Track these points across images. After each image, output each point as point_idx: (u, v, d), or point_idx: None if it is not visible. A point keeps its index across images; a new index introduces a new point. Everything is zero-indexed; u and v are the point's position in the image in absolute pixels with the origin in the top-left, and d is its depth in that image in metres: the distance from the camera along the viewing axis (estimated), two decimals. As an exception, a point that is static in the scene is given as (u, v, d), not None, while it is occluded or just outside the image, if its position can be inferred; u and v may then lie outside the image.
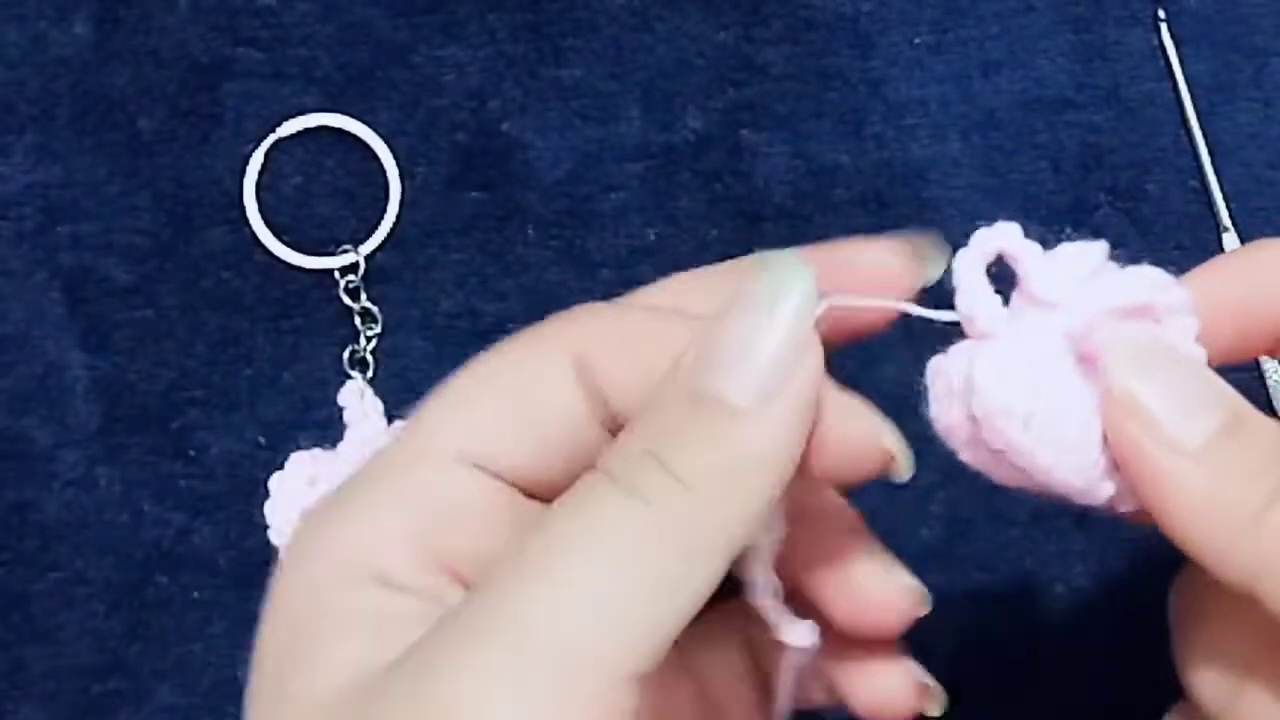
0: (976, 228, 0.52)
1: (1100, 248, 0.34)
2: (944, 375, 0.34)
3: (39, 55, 0.53)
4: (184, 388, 0.51)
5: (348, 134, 0.53)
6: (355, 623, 0.32)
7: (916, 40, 0.53)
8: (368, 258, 0.52)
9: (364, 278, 0.52)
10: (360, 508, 0.33)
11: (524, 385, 0.34)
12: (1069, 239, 0.33)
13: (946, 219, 0.52)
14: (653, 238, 0.52)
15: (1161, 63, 0.53)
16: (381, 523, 0.33)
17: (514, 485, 0.34)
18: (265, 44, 0.53)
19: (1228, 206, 0.52)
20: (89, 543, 0.51)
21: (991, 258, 0.34)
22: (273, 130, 0.53)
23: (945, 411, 0.34)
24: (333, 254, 0.52)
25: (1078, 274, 0.34)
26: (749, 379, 0.32)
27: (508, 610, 0.30)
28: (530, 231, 0.52)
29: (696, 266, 0.52)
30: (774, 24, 0.53)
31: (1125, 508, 0.34)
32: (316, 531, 0.34)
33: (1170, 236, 0.52)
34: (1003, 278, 0.35)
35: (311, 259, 0.52)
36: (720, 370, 0.32)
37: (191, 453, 0.51)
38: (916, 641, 0.50)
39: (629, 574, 0.31)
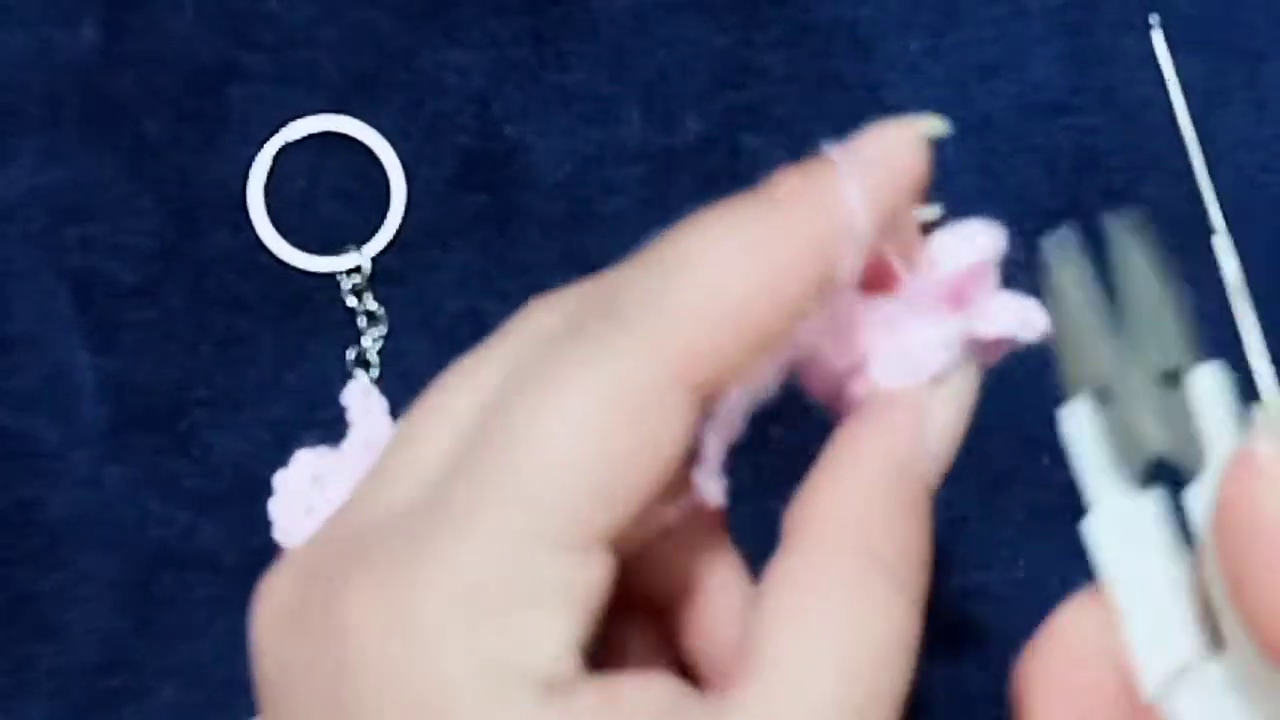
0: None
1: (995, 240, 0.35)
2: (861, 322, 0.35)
3: (46, 59, 0.53)
4: (190, 388, 0.51)
5: (351, 137, 0.53)
6: None
7: (913, 45, 0.53)
8: (372, 259, 0.52)
9: (368, 279, 0.52)
10: (527, 620, 0.29)
11: (646, 436, 0.30)
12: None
13: (942, 221, 0.52)
14: (653, 239, 0.52)
15: (1156, 67, 0.53)
16: (555, 636, 0.30)
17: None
18: (270, 48, 0.53)
19: (1219, 209, 0.52)
20: (95, 541, 0.51)
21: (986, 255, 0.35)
22: (277, 133, 0.53)
23: None
24: (337, 256, 0.52)
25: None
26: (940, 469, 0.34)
27: None
28: (532, 233, 0.52)
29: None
30: (773, 28, 0.53)
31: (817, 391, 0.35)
32: (470, 647, 0.29)
33: (1165, 240, 0.52)
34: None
35: (316, 261, 0.52)
36: (933, 463, 0.33)
37: (197, 452, 0.51)
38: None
39: (897, 667, 0.31)
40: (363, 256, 0.52)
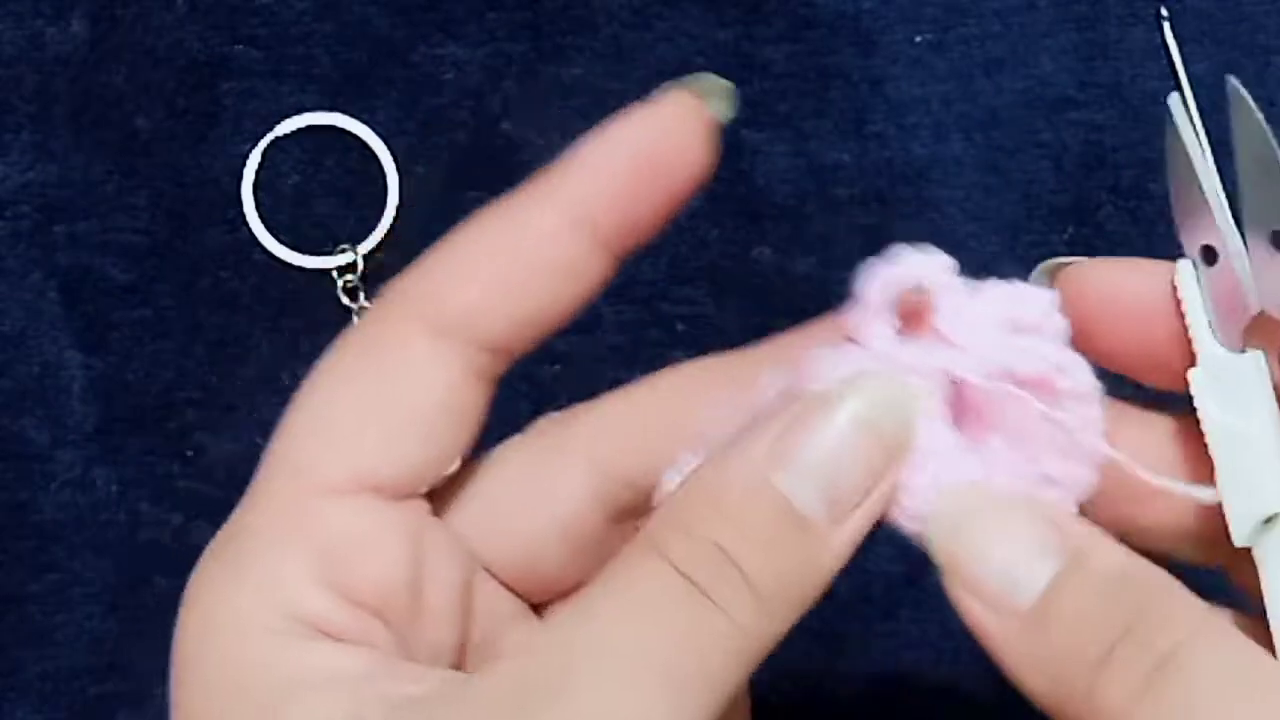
0: (978, 227, 0.52)
1: (1042, 301, 0.33)
2: (815, 365, 0.32)
3: (36, 53, 0.53)
4: (182, 388, 0.51)
5: (346, 133, 0.53)
6: (315, 686, 0.31)
7: (918, 38, 0.53)
8: (366, 257, 0.52)
9: (362, 277, 0.52)
10: (268, 561, 0.32)
11: (391, 377, 0.33)
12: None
13: (948, 218, 0.52)
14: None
15: (1164, 61, 0.53)
16: (293, 574, 0.32)
17: (407, 497, 0.33)
18: (263, 43, 0.53)
19: (1230, 206, 0.52)
20: (86, 543, 0.51)
21: (907, 283, 0.33)
22: (271, 129, 0.52)
23: None
24: (331, 253, 0.52)
25: (995, 321, 0.33)
26: (829, 496, 0.30)
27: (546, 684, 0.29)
28: (530, 231, 0.52)
29: (696, 265, 0.52)
30: (775, 22, 0.53)
31: None
32: (225, 593, 0.32)
33: (1173, 236, 0.52)
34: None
35: (310, 258, 0.52)
36: (800, 479, 0.30)
37: (189, 453, 0.51)
38: (914, 640, 0.50)
39: (676, 676, 0.29)
40: (357, 254, 0.52)
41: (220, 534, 0.33)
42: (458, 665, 0.34)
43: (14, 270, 0.52)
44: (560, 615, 0.31)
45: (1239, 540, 0.32)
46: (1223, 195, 0.33)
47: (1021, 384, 0.32)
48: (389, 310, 0.34)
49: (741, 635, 0.30)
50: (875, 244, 0.52)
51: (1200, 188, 0.33)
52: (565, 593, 0.35)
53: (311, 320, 0.52)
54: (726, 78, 0.53)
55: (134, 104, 0.53)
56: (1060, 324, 0.33)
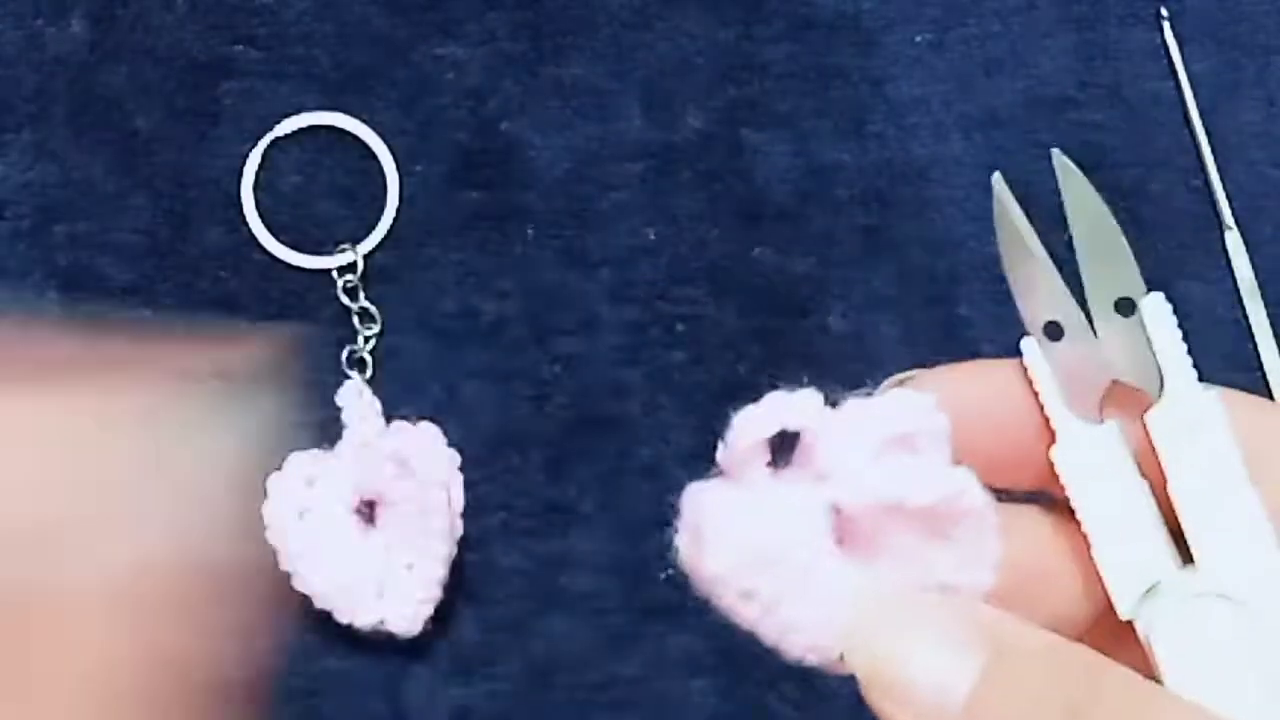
0: (978, 227, 0.52)
1: (918, 406, 0.32)
2: (692, 503, 0.31)
3: (35, 54, 0.53)
4: (181, 388, 0.51)
5: (346, 133, 0.52)
6: None
7: (918, 39, 0.53)
8: (366, 257, 0.52)
9: (362, 277, 0.51)
10: None
11: None
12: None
13: (948, 218, 0.52)
14: (652, 237, 0.52)
15: (1164, 61, 0.53)
16: None
17: None
18: (263, 42, 0.53)
19: (1230, 205, 0.51)
20: (86, 544, 0.50)
21: (775, 426, 0.31)
22: (271, 129, 0.52)
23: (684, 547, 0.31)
24: (331, 253, 0.52)
25: (874, 444, 0.31)
26: None
27: None
28: (530, 231, 0.52)
29: (696, 265, 0.52)
30: (775, 22, 0.53)
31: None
32: None
33: (1173, 236, 0.52)
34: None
35: (310, 258, 0.52)
36: None
37: (189, 453, 0.51)
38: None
39: None
40: (357, 254, 0.51)
41: None
42: None
43: (14, 270, 0.52)
44: None
45: (1124, 613, 0.31)
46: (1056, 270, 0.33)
47: (912, 511, 0.31)
48: None
49: None
50: (875, 244, 0.52)
51: (1036, 264, 0.33)
52: None
53: (311, 320, 0.51)
54: (726, 78, 0.53)
55: (134, 104, 0.53)
56: (941, 425, 0.32)
